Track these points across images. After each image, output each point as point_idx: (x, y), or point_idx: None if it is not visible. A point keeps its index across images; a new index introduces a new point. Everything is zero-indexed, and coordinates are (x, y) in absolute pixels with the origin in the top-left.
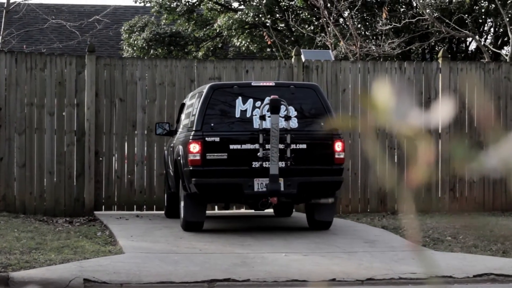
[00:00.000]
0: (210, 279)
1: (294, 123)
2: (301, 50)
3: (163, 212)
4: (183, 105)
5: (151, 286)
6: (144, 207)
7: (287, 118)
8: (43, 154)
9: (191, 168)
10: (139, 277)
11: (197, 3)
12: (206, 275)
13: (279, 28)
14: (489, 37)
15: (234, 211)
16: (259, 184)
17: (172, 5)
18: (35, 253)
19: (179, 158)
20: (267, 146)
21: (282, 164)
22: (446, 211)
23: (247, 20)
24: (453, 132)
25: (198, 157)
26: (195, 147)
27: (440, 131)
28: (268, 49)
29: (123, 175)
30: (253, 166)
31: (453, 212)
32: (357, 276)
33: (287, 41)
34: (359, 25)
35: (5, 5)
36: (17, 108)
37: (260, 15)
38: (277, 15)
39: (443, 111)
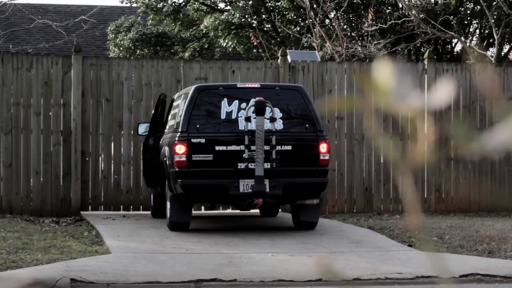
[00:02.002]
0: (196, 279)
1: (279, 125)
2: (287, 50)
3: (149, 212)
4: (172, 100)
5: (137, 286)
6: (131, 207)
7: (272, 119)
8: (30, 154)
9: (177, 169)
10: (125, 277)
11: (183, 3)
12: (193, 275)
13: (265, 29)
14: (474, 39)
15: (220, 211)
16: (245, 185)
17: (158, 6)
18: (22, 253)
19: (165, 159)
20: (253, 148)
21: (267, 165)
22: (432, 211)
23: (233, 20)
24: (438, 136)
25: (184, 158)
26: (180, 148)
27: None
28: (255, 50)
29: (109, 175)
30: (239, 167)
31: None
32: (344, 276)
33: (273, 41)
34: (345, 26)
35: None
36: (3, 108)
37: (247, 16)
38: (263, 16)
39: (440, 94)
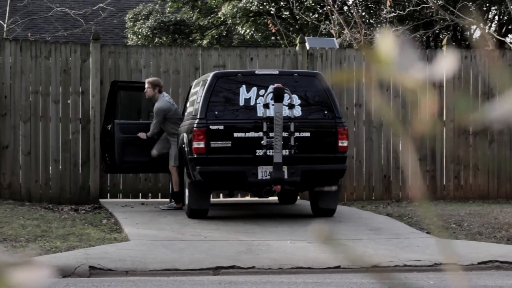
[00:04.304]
0: (215, 266)
1: (297, 111)
2: (306, 38)
3: (168, 200)
4: (190, 87)
5: (156, 273)
6: (149, 194)
7: (291, 106)
8: (48, 142)
9: (195, 156)
10: (144, 265)
11: None
12: (211, 262)
13: (283, 16)
14: (493, 25)
15: (238, 199)
16: (263, 172)
17: None
18: (41, 240)
19: (183, 146)
20: (271, 134)
21: (285, 152)
22: (451, 198)
23: (251, 8)
24: (457, 121)
25: (202, 145)
26: (199, 135)
27: (444, 120)
28: (273, 37)
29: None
30: (257, 154)
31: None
32: (362, 263)
33: (291, 29)
34: (363, 13)
35: None
36: (22, 96)
37: (265, 3)
38: (282, 3)
39: (446, 64)
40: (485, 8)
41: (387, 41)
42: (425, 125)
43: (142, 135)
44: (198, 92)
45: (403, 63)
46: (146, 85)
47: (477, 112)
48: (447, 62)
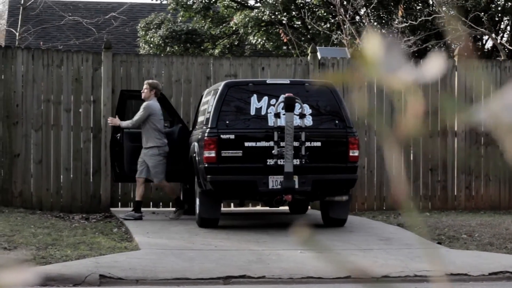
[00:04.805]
0: (225, 276)
1: (308, 121)
2: (317, 47)
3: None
4: (202, 96)
5: (166, 282)
6: (160, 203)
7: (302, 116)
8: (60, 151)
9: (206, 165)
10: (154, 273)
11: (213, 0)
12: (222, 271)
13: (295, 25)
14: (505, 35)
15: (249, 208)
16: (274, 182)
17: (188, 3)
18: (51, 249)
19: (194, 155)
20: (282, 144)
21: (296, 161)
22: (462, 209)
23: (263, 17)
24: (468, 134)
25: (213, 154)
26: (210, 144)
27: (455, 130)
28: (284, 47)
29: None
30: (268, 163)
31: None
32: (373, 273)
33: (303, 38)
34: (375, 23)
35: (22, 2)
36: (34, 105)
37: (276, 13)
38: (293, 12)
39: (432, 66)
40: (497, 19)
41: (374, 43)
42: (411, 127)
43: (114, 120)
44: (209, 101)
45: (389, 65)
46: (144, 86)
47: (464, 113)
48: (433, 65)
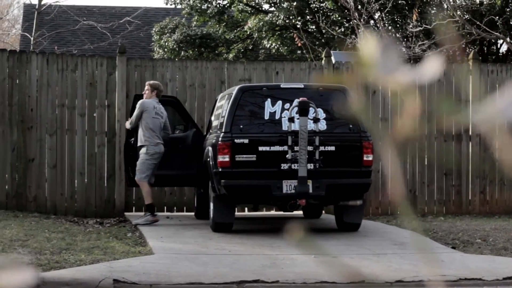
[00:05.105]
0: (239, 280)
1: (322, 125)
2: (332, 51)
3: (193, 213)
4: (216, 101)
5: (180, 287)
6: (174, 208)
7: (316, 120)
8: (74, 155)
9: (220, 170)
10: (168, 278)
11: (227, 5)
12: (235, 276)
13: (309, 30)
14: None
15: (263, 213)
16: (288, 186)
17: (203, 7)
18: (66, 253)
19: (208, 159)
20: (296, 148)
21: (310, 166)
22: (477, 213)
23: (277, 22)
24: (483, 138)
25: (227, 159)
26: (224, 149)
27: (470, 134)
28: (299, 51)
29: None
30: (282, 168)
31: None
32: (386, 278)
33: (317, 43)
34: (389, 27)
35: (37, 6)
36: (48, 109)
37: (291, 17)
38: (308, 17)
39: (430, 68)
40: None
41: (371, 45)
42: (407, 128)
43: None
44: (223, 105)
45: (386, 67)
46: (146, 87)
47: (460, 114)
48: (431, 66)
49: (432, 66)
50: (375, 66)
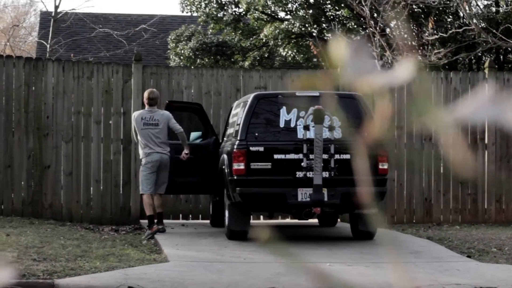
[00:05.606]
0: None
1: (338, 133)
2: None
3: (208, 221)
4: (231, 109)
5: None
6: (190, 216)
7: (331, 128)
8: (90, 163)
9: (235, 178)
10: (183, 285)
11: (243, 12)
12: (250, 284)
13: (325, 38)
14: None
15: (279, 221)
16: (303, 194)
17: (218, 15)
18: (81, 260)
19: (223, 167)
20: (311, 156)
21: (325, 174)
22: (492, 222)
23: (293, 30)
24: (499, 146)
25: (242, 167)
26: (239, 157)
27: (486, 142)
28: (314, 59)
29: None
30: (297, 176)
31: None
32: (401, 287)
33: None
34: (405, 35)
35: (53, 14)
36: (64, 117)
37: (307, 25)
38: (324, 24)
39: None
40: None
41: (340, 47)
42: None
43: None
44: (238, 113)
45: (358, 69)
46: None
47: (432, 116)
48: (403, 69)
49: (404, 70)
50: (347, 69)
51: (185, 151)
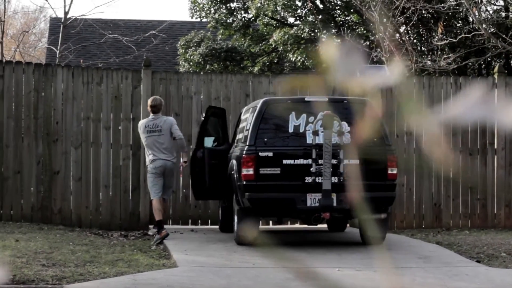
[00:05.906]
0: None
1: (347, 138)
2: None
3: (217, 226)
4: (240, 114)
5: None
6: (199, 221)
7: (340, 133)
8: (99, 168)
9: (244, 183)
10: None
11: (253, 18)
12: None
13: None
14: None
15: (288, 226)
16: (312, 199)
17: (228, 21)
18: (90, 266)
19: (232, 172)
20: (320, 161)
21: (335, 179)
22: (502, 227)
23: (302, 35)
24: (509, 151)
25: (251, 172)
26: (248, 162)
27: (495, 147)
28: (324, 64)
29: (178, 189)
30: (306, 181)
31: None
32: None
33: None
34: (414, 40)
35: (63, 20)
36: (74, 122)
37: (316, 30)
38: (333, 30)
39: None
40: None
41: (331, 48)
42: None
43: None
44: (247, 118)
45: (347, 70)
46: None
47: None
48: (394, 70)
49: (395, 70)
50: (337, 70)
51: (184, 158)
